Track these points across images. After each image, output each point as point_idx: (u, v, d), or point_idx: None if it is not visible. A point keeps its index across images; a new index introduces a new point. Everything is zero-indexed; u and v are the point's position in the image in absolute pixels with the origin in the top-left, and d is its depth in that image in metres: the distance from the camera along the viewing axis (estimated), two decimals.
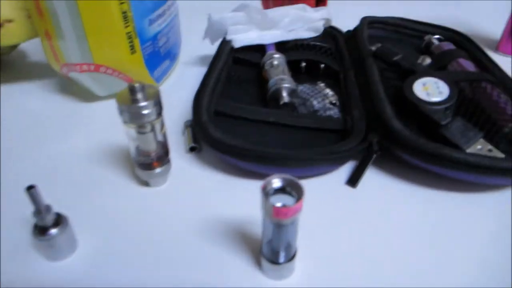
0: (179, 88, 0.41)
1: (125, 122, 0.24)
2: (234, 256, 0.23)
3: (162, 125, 0.26)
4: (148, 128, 0.25)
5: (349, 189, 0.28)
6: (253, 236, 0.24)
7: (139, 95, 0.23)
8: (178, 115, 0.36)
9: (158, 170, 0.27)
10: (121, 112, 0.24)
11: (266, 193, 0.18)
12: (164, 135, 0.27)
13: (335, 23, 0.47)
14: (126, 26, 0.34)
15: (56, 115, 0.37)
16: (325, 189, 0.28)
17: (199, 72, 0.38)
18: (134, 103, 0.23)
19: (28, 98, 0.40)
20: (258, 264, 0.23)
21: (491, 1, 0.68)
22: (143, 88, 0.23)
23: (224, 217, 0.26)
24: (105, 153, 0.32)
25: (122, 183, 0.29)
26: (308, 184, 0.28)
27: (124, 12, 0.33)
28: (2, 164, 0.31)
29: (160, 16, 0.38)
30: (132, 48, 0.36)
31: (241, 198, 0.27)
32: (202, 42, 0.44)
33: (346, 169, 0.30)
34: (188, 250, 0.24)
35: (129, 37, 0.35)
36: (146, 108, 0.23)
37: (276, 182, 0.19)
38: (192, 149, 0.31)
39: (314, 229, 0.25)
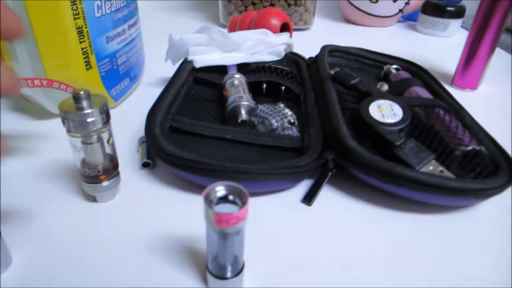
0: (139, 108, 0.40)
1: (68, 131, 0.23)
2: (180, 273, 0.22)
3: (110, 136, 0.25)
4: (94, 138, 0.24)
5: (304, 206, 0.27)
6: (201, 252, 0.23)
7: (84, 103, 0.22)
8: (135, 133, 0.35)
9: (105, 183, 0.26)
10: (64, 120, 0.22)
11: (210, 201, 0.18)
12: (113, 147, 0.26)
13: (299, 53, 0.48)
14: (82, 42, 0.33)
15: (7, 133, 0.35)
16: (280, 206, 0.27)
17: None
18: (79, 110, 0.22)
19: None
20: (205, 281, 0.21)
21: (447, 39, 0.72)
22: (88, 96, 0.22)
23: (173, 234, 0.25)
24: (54, 170, 0.30)
25: (68, 198, 0.27)
26: (264, 201, 0.28)
27: (79, 27, 0.33)
28: None
29: (119, 34, 0.38)
30: (87, 64, 0.35)
31: (192, 214, 0.26)
32: (166, 64, 0.44)
33: (303, 187, 0.29)
34: (133, 268, 0.22)
35: (85, 53, 0.34)
36: (91, 116, 0.22)
37: (220, 190, 0.18)
38: (145, 165, 0.30)
39: (266, 244, 0.24)
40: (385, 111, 0.31)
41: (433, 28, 0.73)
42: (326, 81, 0.37)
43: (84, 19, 0.33)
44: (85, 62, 0.34)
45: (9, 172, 0.30)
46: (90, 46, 0.34)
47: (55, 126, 0.36)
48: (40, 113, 0.37)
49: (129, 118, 0.37)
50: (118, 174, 0.26)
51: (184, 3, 0.88)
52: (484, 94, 0.48)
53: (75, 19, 0.32)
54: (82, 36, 0.33)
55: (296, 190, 0.29)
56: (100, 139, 0.24)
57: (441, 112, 0.34)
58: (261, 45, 0.42)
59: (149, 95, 0.43)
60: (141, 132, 0.35)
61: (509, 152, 0.29)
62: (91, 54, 0.35)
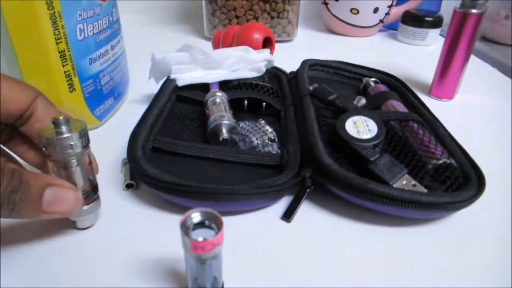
0: (123, 126, 0.41)
1: (48, 156, 0.23)
2: None
3: (90, 159, 0.25)
4: (74, 162, 0.24)
5: (284, 223, 0.28)
6: (183, 273, 0.24)
7: (63, 128, 0.23)
8: (119, 152, 0.36)
9: (85, 208, 0.26)
10: (43, 144, 0.23)
11: (186, 228, 0.18)
12: (92, 170, 0.26)
13: (283, 66, 0.50)
14: (64, 65, 0.34)
15: None
16: (260, 223, 0.28)
17: (144, 109, 0.38)
18: (58, 135, 0.23)
19: None
20: None
21: (426, 47, 0.74)
22: (67, 121, 0.23)
23: (155, 254, 0.25)
24: None
25: (46, 223, 0.28)
26: (244, 219, 0.29)
27: (61, 51, 0.33)
28: None
29: (102, 55, 0.39)
30: (71, 86, 0.35)
31: (174, 234, 0.27)
32: (151, 80, 0.45)
33: (282, 203, 0.30)
34: None
35: (68, 76, 0.35)
36: (71, 140, 0.23)
37: (196, 217, 0.19)
38: (128, 186, 0.31)
39: (246, 262, 0.25)
40: (360, 127, 0.32)
41: (413, 37, 0.75)
42: (305, 97, 0.38)
43: (67, 43, 0.34)
44: (68, 84, 0.35)
45: None
46: (73, 68, 0.35)
47: None
48: None
49: (113, 138, 0.38)
50: (98, 197, 0.27)
51: (168, 17, 0.89)
52: (460, 103, 0.50)
53: (57, 43, 0.33)
54: (65, 60, 0.34)
55: (276, 207, 0.30)
56: (79, 163, 0.24)
57: (415, 125, 0.35)
58: (242, 62, 0.43)
59: (134, 113, 0.43)
60: (125, 152, 0.35)
61: (480, 161, 0.31)
62: (74, 76, 0.35)
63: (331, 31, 0.82)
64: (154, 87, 0.45)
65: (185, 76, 0.41)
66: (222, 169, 0.31)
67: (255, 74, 0.43)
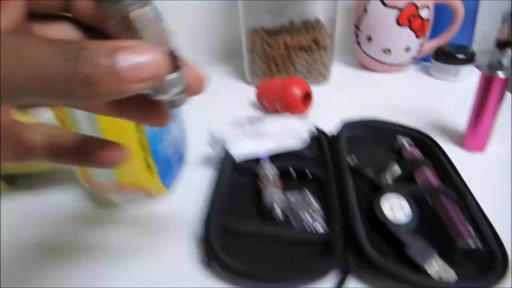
0: (188, 192, 0.47)
1: (106, 19, 0.19)
2: None
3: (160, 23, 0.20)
4: (138, 15, 0.19)
5: None
6: None
7: None
8: (190, 222, 0.42)
9: (170, 77, 0.20)
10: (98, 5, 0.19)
11: None
12: (165, 34, 0.20)
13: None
14: (144, 151, 0.41)
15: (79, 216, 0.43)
16: None
17: (205, 172, 0.44)
18: None
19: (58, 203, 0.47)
20: None
21: (460, 84, 0.76)
22: None
23: None
24: (116, 252, 0.38)
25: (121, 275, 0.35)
26: None
27: (140, 142, 0.40)
28: None
29: (169, 132, 0.46)
30: (148, 167, 0.42)
31: None
32: (205, 141, 0.51)
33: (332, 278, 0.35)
34: None
35: (145, 159, 0.42)
36: None
37: None
38: (207, 264, 0.37)
39: None
40: (395, 208, 0.37)
41: (446, 74, 0.77)
42: (345, 172, 0.43)
43: (144, 134, 0.41)
44: (146, 165, 0.42)
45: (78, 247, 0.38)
46: (149, 153, 0.42)
47: (121, 214, 0.44)
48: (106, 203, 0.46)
49: (182, 205, 0.45)
50: (181, 68, 0.21)
51: (209, 56, 0.94)
52: (492, 157, 0.51)
53: (139, 137, 0.40)
54: (144, 148, 0.41)
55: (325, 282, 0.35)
56: (145, 20, 0.19)
57: (445, 200, 0.39)
58: (288, 133, 0.49)
59: (196, 176, 0.49)
60: (195, 221, 0.42)
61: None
62: (150, 159, 0.42)
63: (364, 67, 0.87)
64: (206, 143, 0.51)
65: (240, 150, 0.47)
66: (278, 248, 0.37)
67: (299, 144, 0.49)
